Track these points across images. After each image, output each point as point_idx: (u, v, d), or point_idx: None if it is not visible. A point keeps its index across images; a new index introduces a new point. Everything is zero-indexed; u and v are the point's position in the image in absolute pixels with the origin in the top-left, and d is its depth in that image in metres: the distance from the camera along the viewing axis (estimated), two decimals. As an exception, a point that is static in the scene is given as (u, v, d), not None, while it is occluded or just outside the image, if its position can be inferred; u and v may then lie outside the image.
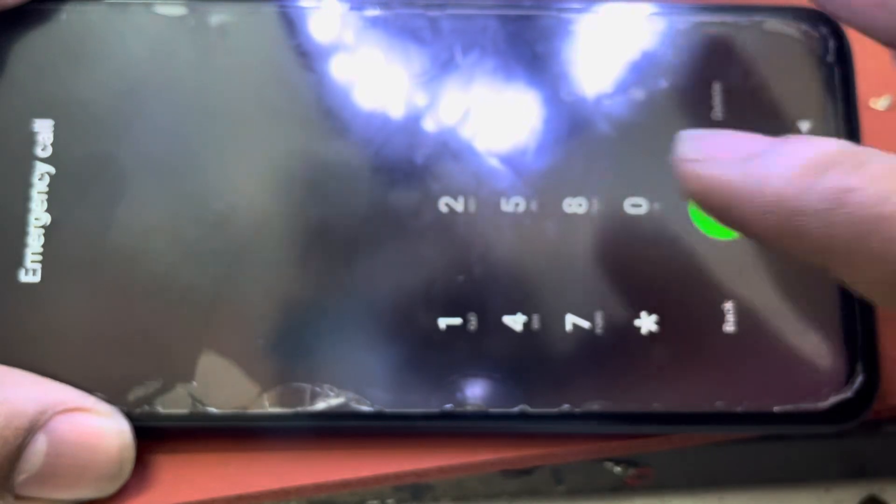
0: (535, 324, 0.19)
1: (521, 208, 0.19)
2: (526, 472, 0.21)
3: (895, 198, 0.13)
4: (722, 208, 0.15)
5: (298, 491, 0.19)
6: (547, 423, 0.18)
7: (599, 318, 0.19)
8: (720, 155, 0.15)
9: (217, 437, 0.19)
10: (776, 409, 0.19)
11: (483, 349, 0.19)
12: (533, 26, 0.20)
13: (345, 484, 0.19)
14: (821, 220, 0.13)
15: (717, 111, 0.20)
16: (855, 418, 0.19)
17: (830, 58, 0.20)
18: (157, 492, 0.18)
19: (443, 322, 0.19)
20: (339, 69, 0.20)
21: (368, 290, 0.19)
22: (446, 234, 0.19)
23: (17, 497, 0.17)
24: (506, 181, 0.19)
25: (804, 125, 0.20)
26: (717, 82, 0.20)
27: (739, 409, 0.19)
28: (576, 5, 0.20)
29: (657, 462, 0.21)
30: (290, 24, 0.20)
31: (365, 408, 0.18)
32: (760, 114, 0.20)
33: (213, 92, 0.19)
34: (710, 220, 0.19)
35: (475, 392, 0.18)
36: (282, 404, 0.18)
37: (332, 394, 0.18)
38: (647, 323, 0.19)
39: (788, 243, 0.14)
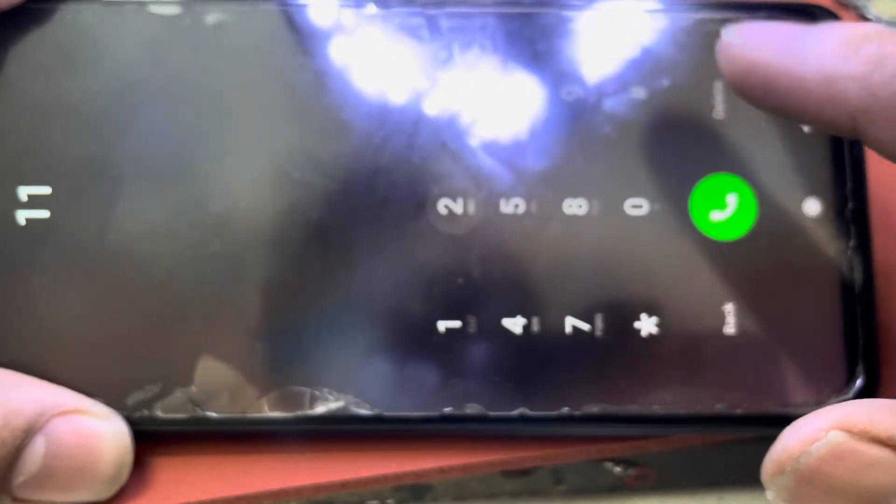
0: (535, 326, 0.19)
1: (521, 210, 0.19)
2: (526, 472, 0.21)
3: None
4: (762, 84, 0.16)
5: (298, 491, 0.19)
6: (546, 425, 0.18)
7: (599, 320, 0.19)
8: (760, 38, 0.16)
9: (216, 442, 0.19)
10: (776, 410, 0.19)
11: (482, 352, 0.19)
12: (532, 24, 0.20)
13: (344, 484, 0.19)
14: (861, 82, 0.15)
15: (719, 110, 0.20)
16: (855, 420, 0.19)
17: (832, 56, 0.20)
18: (155, 495, 0.18)
19: (442, 325, 0.19)
20: (336, 68, 0.20)
21: (367, 293, 0.19)
22: (445, 236, 0.19)
23: (15, 499, 0.17)
24: (505, 182, 0.19)
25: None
26: (718, 81, 0.20)
27: (739, 411, 0.19)
28: (576, 3, 0.20)
29: (657, 462, 0.21)
30: (287, 22, 0.20)
31: (364, 411, 0.18)
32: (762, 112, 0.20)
33: (209, 91, 0.19)
34: (711, 222, 0.19)
35: (475, 395, 0.18)
36: (281, 408, 0.18)
37: (331, 397, 0.18)
38: (647, 325, 0.19)
39: (826, 111, 0.15)
